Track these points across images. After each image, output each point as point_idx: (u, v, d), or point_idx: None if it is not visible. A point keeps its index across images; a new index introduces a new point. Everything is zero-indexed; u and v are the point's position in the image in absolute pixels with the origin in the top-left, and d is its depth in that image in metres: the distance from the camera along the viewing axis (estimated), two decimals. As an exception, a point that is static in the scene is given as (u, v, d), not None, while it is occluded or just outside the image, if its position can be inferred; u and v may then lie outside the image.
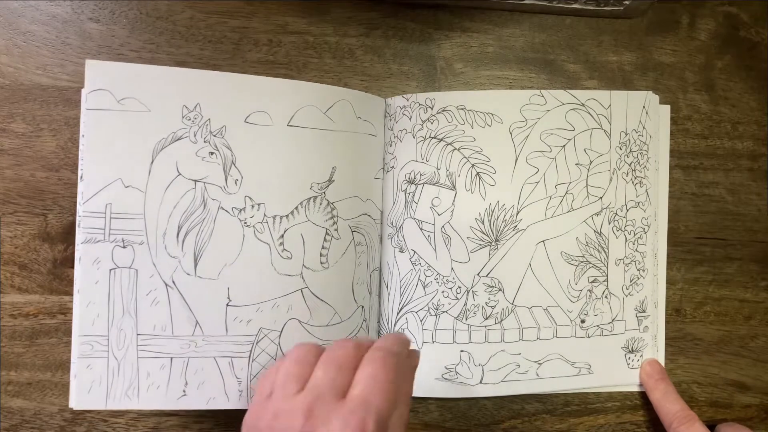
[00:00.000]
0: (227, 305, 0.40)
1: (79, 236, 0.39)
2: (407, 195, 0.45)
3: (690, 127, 0.48)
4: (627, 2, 0.46)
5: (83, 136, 0.40)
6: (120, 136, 0.39)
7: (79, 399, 0.39)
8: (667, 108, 0.48)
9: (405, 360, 0.35)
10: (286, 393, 0.32)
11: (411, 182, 0.45)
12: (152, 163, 0.40)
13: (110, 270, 0.39)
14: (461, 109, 0.44)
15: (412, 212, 0.45)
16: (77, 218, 0.40)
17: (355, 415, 0.30)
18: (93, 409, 0.40)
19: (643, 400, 0.47)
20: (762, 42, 0.49)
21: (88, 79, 0.39)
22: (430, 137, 0.45)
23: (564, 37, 0.48)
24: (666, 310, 0.48)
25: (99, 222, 0.39)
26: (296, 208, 0.42)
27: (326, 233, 0.42)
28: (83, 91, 0.40)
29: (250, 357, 0.41)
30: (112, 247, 0.39)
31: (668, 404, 0.44)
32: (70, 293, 0.46)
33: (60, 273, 0.46)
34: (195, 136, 0.40)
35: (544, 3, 0.47)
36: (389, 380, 0.32)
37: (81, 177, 0.40)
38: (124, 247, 0.39)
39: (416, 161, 0.45)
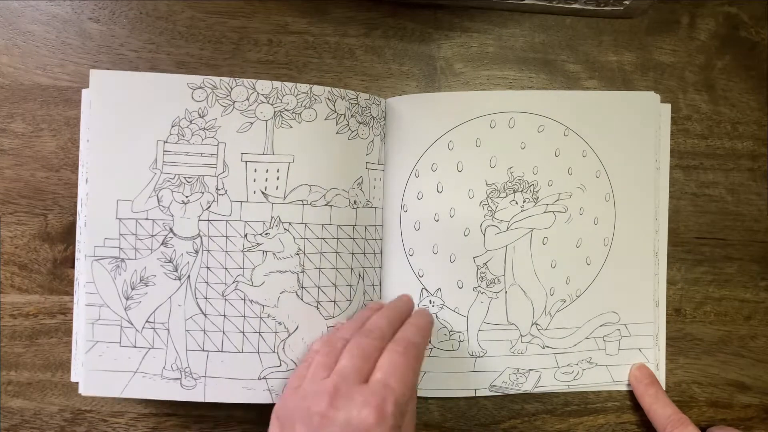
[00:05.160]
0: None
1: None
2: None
3: (690, 127, 0.48)
4: (627, 2, 0.46)
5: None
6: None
7: None
8: (667, 107, 0.48)
9: (423, 350, 0.38)
10: (315, 378, 0.35)
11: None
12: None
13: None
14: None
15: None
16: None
17: (376, 396, 0.33)
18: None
19: (643, 400, 0.47)
20: (762, 42, 0.49)
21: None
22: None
23: (564, 37, 0.48)
24: (666, 310, 0.48)
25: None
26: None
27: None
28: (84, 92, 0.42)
29: None
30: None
31: (660, 408, 0.44)
32: (70, 293, 0.46)
33: (60, 273, 0.46)
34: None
35: (544, 3, 0.47)
36: (409, 368, 0.35)
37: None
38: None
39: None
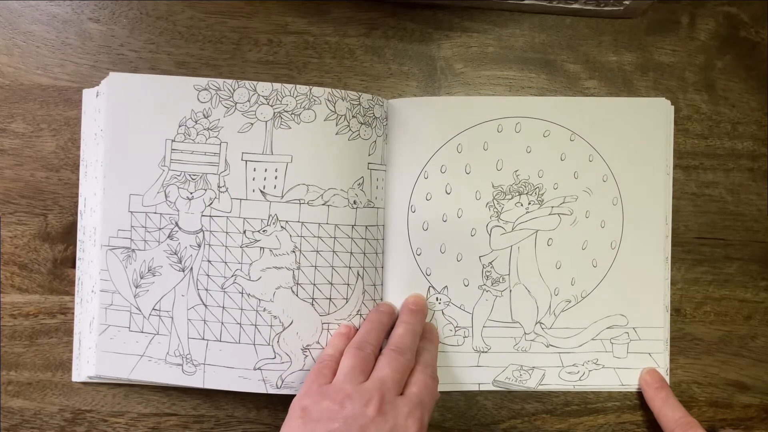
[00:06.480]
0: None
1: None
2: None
3: (690, 127, 0.48)
4: (627, 2, 0.46)
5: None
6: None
7: None
8: (671, 108, 0.48)
9: None
10: (353, 381, 0.39)
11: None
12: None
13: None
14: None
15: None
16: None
17: (417, 409, 0.39)
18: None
19: (643, 400, 0.47)
20: (762, 42, 0.49)
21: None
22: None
23: (564, 37, 0.48)
24: (666, 311, 0.48)
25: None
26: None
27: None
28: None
29: None
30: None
31: (669, 412, 0.44)
32: (71, 293, 0.46)
33: (60, 273, 0.46)
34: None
35: (544, 3, 0.47)
36: (435, 390, 0.41)
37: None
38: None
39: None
